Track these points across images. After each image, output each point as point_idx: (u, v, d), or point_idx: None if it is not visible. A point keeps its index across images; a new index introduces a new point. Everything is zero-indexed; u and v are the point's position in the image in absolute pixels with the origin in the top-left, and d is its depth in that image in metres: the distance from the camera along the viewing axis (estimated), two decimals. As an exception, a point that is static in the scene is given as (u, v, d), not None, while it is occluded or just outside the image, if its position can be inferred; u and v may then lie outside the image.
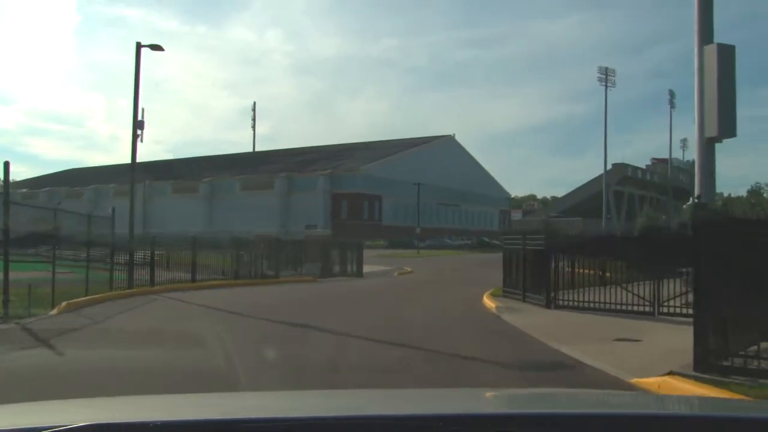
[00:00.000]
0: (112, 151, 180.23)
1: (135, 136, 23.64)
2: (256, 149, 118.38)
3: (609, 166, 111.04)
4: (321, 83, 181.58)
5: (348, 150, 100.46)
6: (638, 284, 14.45)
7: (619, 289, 14.48)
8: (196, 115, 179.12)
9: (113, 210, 21.40)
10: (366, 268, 36.03)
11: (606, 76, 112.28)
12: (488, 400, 2.80)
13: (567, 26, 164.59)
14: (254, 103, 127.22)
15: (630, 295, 14.22)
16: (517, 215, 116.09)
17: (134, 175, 24.14)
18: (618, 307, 14.18)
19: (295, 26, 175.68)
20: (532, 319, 13.58)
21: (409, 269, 37.72)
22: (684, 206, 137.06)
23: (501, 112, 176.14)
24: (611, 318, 13.56)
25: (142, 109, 24.57)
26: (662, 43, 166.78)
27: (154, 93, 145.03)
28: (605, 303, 14.50)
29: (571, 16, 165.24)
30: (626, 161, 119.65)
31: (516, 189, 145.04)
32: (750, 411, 2.43)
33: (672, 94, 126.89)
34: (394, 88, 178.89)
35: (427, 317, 14.90)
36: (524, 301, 16.84)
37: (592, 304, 14.80)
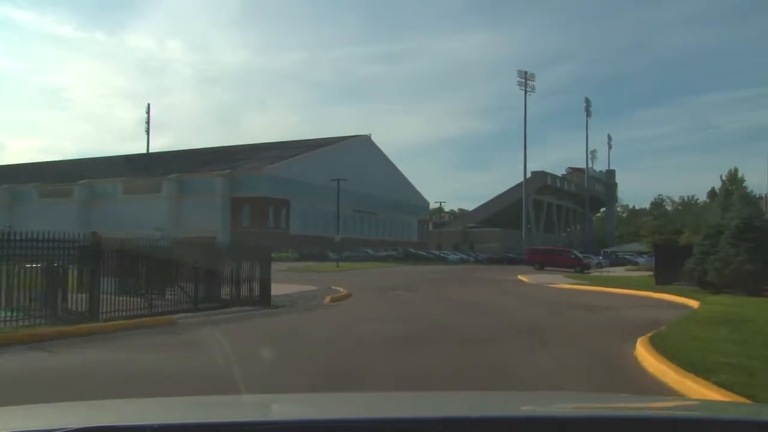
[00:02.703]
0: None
1: None
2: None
3: (525, 175, 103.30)
4: (226, 95, 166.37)
5: (251, 150, 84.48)
6: None
7: None
8: (95, 124, 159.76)
9: None
10: (277, 289, 21.56)
11: (525, 80, 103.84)
12: (488, 403, 2.61)
13: (472, 44, 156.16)
14: (148, 105, 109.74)
15: None
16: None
17: None
18: None
19: (198, 36, 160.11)
20: None
21: (343, 290, 23.09)
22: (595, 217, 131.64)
23: (407, 126, 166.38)
24: None
25: None
26: (565, 62, 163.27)
27: (52, 101, 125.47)
28: None
29: (476, 34, 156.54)
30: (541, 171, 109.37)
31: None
32: (751, 414, 2.29)
33: (588, 102, 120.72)
34: (302, 102, 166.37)
35: None
36: None
37: None
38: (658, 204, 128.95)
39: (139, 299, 14.87)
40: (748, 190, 69.44)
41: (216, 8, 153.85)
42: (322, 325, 13.63)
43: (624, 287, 25.34)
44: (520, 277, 36.99)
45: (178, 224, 69.12)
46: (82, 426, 1.69)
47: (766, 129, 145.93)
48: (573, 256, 51.48)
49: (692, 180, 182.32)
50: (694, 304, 17.37)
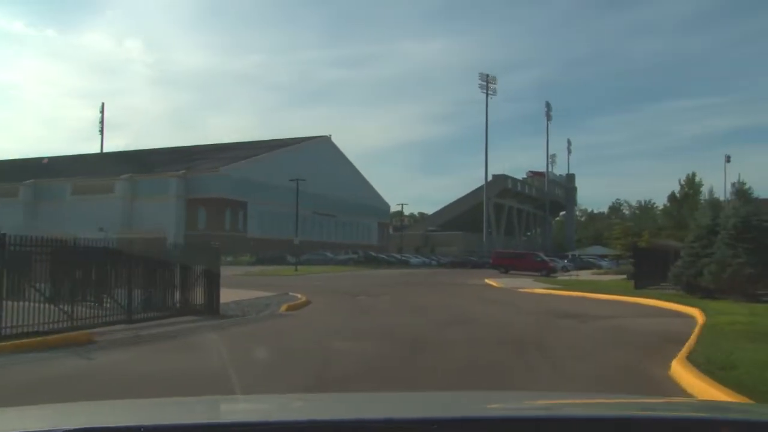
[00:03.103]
0: None
1: None
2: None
3: (486, 178, 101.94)
4: (186, 96, 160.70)
5: (209, 151, 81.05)
6: None
7: None
8: (49, 125, 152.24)
9: None
10: (228, 295, 19.18)
11: (487, 83, 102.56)
12: (486, 402, 2.56)
13: (434, 49, 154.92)
14: (102, 104, 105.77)
15: None
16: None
17: None
18: None
19: (156, 37, 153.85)
20: None
21: (301, 297, 20.64)
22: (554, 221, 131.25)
23: (369, 130, 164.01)
24: None
25: None
26: (525, 69, 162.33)
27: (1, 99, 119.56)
28: None
29: (437, 40, 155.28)
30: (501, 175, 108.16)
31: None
32: (752, 414, 2.21)
33: (548, 106, 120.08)
34: (263, 104, 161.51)
35: None
36: None
37: None
38: (615, 208, 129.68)
39: (56, 310, 12.25)
40: (705, 196, 69.83)
41: (176, 8, 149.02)
42: (273, 344, 11.12)
43: (603, 292, 23.45)
44: (487, 281, 35.01)
45: (131, 226, 65.69)
46: (76, 427, 1.66)
47: (720, 136, 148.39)
48: (539, 259, 49.77)
49: (649, 185, 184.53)
50: (694, 312, 15.43)
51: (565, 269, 51.48)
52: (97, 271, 14.64)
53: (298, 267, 48.11)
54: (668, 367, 8.09)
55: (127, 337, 11.59)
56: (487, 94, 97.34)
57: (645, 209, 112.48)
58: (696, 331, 11.28)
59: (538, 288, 27.95)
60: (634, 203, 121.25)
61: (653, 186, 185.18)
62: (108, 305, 14.09)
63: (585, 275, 41.37)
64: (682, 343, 10.11)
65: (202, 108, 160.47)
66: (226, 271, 41.56)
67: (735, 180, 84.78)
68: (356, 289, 26.94)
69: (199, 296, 16.85)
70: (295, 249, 55.39)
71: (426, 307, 18.63)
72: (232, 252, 63.62)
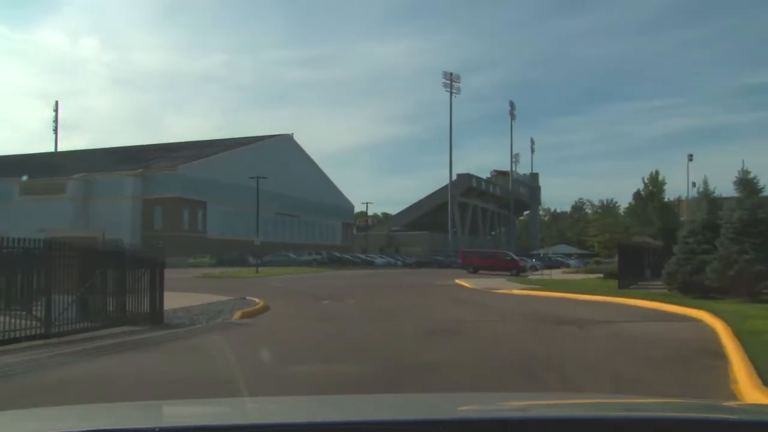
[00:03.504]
0: None
1: None
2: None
3: (451, 178, 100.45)
4: (145, 97, 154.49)
5: (167, 150, 77.59)
6: None
7: None
8: (4, 126, 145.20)
9: None
10: (180, 300, 17.15)
11: (451, 81, 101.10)
12: (486, 403, 2.53)
13: (397, 50, 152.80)
14: (56, 102, 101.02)
15: None
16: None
17: None
18: None
19: (115, 36, 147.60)
20: None
21: (259, 302, 18.31)
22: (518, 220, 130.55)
23: (333, 132, 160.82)
24: None
25: None
26: (487, 69, 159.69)
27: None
28: None
29: (401, 41, 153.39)
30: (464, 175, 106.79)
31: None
32: (751, 414, 2.19)
33: (512, 105, 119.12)
34: (224, 105, 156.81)
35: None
36: None
37: None
38: (578, 208, 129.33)
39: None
40: (667, 194, 69.12)
41: (135, 6, 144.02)
42: (207, 369, 8.60)
43: (586, 293, 21.61)
44: (458, 281, 33.05)
45: (85, 227, 62.18)
46: (82, 430, 1.68)
47: (676, 137, 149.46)
48: (509, 258, 48.08)
49: (611, 184, 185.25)
50: (701, 315, 13.61)
51: (534, 268, 49.89)
52: (25, 276, 12.23)
53: (260, 268, 45.64)
54: (732, 392, 6.08)
55: (31, 359, 9.13)
56: (451, 93, 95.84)
57: (607, 208, 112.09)
58: (728, 339, 9.33)
59: (514, 289, 26.03)
60: (596, 202, 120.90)
61: (615, 185, 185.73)
62: (22, 316, 11.65)
63: (557, 274, 39.66)
64: (720, 355, 8.20)
65: (163, 109, 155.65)
66: (184, 274, 39.03)
67: (695, 180, 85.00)
68: (320, 291, 24.71)
69: (140, 303, 14.46)
70: (257, 250, 52.81)
71: (399, 313, 16.50)
72: (191, 253, 60.80)
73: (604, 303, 18.58)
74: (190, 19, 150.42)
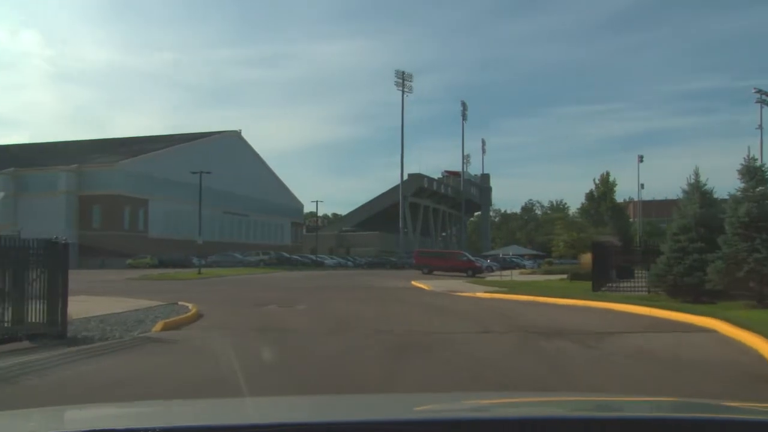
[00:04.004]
0: None
1: None
2: None
3: (403, 177, 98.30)
4: (89, 94, 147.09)
5: (108, 146, 72.94)
6: None
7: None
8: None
9: None
10: (103, 306, 14.71)
11: (403, 80, 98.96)
12: (486, 403, 2.49)
13: (348, 50, 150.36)
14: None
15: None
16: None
17: None
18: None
19: (57, 30, 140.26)
20: None
21: (192, 308, 15.44)
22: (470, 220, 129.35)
23: (282, 131, 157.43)
24: None
25: None
26: (439, 71, 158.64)
27: None
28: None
29: (352, 41, 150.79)
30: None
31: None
32: (751, 414, 2.11)
33: (464, 105, 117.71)
34: (172, 104, 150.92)
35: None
36: None
37: None
38: (528, 209, 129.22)
39: None
40: (618, 195, 68.48)
41: (79, 1, 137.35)
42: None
43: (559, 296, 19.37)
44: (414, 283, 30.65)
45: (15, 225, 57.67)
46: (83, 429, 1.66)
47: (626, 140, 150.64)
48: (464, 259, 45.86)
49: (559, 186, 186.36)
50: (713, 324, 11.44)
51: (490, 269, 47.87)
52: None
53: (204, 270, 42.39)
54: None
55: None
56: (403, 91, 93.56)
57: (557, 209, 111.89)
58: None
59: (478, 291, 23.67)
60: (546, 204, 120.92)
61: (564, 187, 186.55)
62: None
63: (516, 276, 37.63)
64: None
65: (107, 106, 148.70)
66: (119, 275, 35.45)
67: (642, 182, 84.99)
68: (265, 295, 21.92)
69: (38, 312, 11.50)
70: (200, 249, 49.43)
71: (357, 323, 13.84)
72: (132, 253, 57.03)
73: (587, 308, 16.31)
74: (137, 16, 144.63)
